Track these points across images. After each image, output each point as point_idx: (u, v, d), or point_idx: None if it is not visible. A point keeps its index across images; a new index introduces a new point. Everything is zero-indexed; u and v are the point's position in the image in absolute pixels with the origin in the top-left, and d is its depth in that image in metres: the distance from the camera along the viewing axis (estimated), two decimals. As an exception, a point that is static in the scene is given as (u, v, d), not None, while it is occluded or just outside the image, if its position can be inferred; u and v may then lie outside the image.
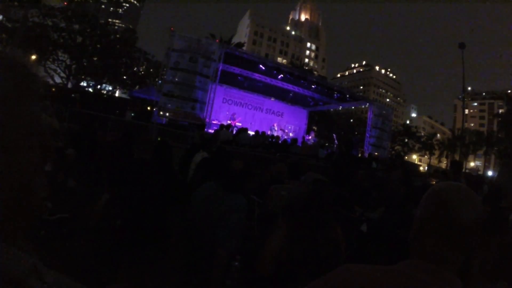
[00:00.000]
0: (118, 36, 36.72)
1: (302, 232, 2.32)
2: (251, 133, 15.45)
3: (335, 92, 20.06)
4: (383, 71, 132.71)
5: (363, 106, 26.49)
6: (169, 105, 13.71)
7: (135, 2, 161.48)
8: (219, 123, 16.70)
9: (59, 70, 31.41)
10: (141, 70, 43.78)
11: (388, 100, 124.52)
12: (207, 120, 14.37)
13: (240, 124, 18.56)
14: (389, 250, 3.72)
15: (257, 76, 18.87)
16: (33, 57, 29.46)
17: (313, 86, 19.35)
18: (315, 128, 45.48)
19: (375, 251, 4.03)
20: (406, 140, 62.88)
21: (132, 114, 15.76)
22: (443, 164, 71.17)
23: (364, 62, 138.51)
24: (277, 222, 2.50)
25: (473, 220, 1.03)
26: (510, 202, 4.63)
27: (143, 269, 2.61)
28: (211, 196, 2.79)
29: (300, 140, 19.06)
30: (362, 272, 1.02)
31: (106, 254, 2.75)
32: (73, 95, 19.47)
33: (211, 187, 2.89)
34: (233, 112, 20.10)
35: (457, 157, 47.83)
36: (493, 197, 4.61)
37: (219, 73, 15.36)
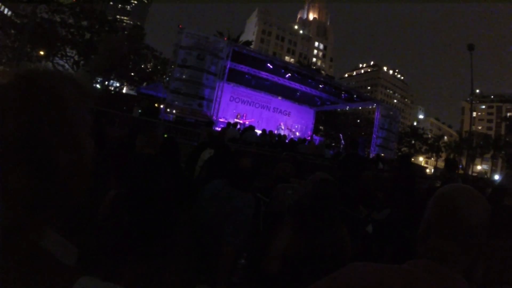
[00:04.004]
0: (126, 32, 36.83)
1: (308, 231, 2.32)
2: (258, 131, 15.46)
3: (343, 92, 20.04)
4: (391, 71, 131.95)
5: (370, 107, 26.42)
6: (176, 102, 13.76)
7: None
8: (226, 121, 16.73)
9: (67, 66, 31.50)
10: (148, 67, 43.89)
11: (395, 101, 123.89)
12: (213, 118, 14.40)
13: (247, 122, 18.58)
14: (395, 252, 3.72)
15: (264, 74, 18.87)
16: (42, 52, 29.71)
17: (320, 86, 19.34)
18: (321, 127, 45.46)
19: (380, 252, 4.03)
20: (413, 141, 62.55)
21: (140, 111, 15.80)
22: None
23: (372, 62, 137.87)
24: (283, 221, 2.51)
25: (480, 221, 1.03)
26: None
27: (149, 266, 2.63)
28: (218, 194, 2.80)
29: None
30: (370, 270, 1.02)
31: (112, 250, 2.77)
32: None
33: (219, 184, 2.89)
34: (239, 111, 20.12)
35: (464, 160, 47.51)
36: (497, 195, 4.58)
37: (226, 71, 15.40)
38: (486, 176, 57.78)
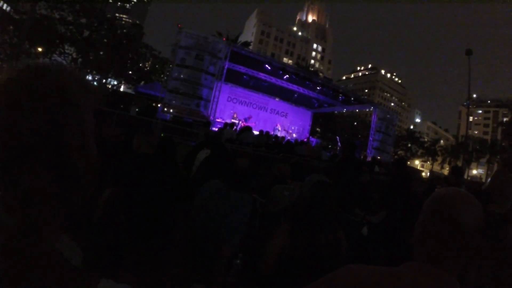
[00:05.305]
0: (125, 31, 36.73)
1: (304, 232, 2.33)
2: (256, 132, 15.45)
3: (340, 94, 20.02)
4: (388, 75, 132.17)
5: (367, 110, 26.48)
6: (174, 101, 13.70)
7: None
8: (223, 121, 16.70)
9: (65, 63, 31.42)
10: (146, 65, 43.81)
11: (392, 104, 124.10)
12: (211, 118, 14.37)
13: (243, 124, 18.57)
14: (389, 254, 3.73)
15: (262, 75, 18.81)
16: (40, 49, 29.58)
17: (318, 88, 19.30)
18: (318, 129, 45.50)
19: (375, 255, 4.04)
20: (409, 145, 62.72)
21: (137, 110, 15.76)
22: (445, 171, 70.99)
23: (370, 65, 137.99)
24: (279, 222, 2.51)
25: (474, 224, 1.05)
26: (503, 207, 4.63)
27: (145, 265, 2.62)
28: (215, 194, 2.81)
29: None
30: (365, 272, 1.03)
31: (108, 249, 2.76)
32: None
33: (216, 184, 2.90)
34: (236, 112, 20.14)
35: (459, 164, 47.68)
36: (481, 200, 4.61)
37: (224, 71, 15.35)
38: (481, 180, 57.98)
